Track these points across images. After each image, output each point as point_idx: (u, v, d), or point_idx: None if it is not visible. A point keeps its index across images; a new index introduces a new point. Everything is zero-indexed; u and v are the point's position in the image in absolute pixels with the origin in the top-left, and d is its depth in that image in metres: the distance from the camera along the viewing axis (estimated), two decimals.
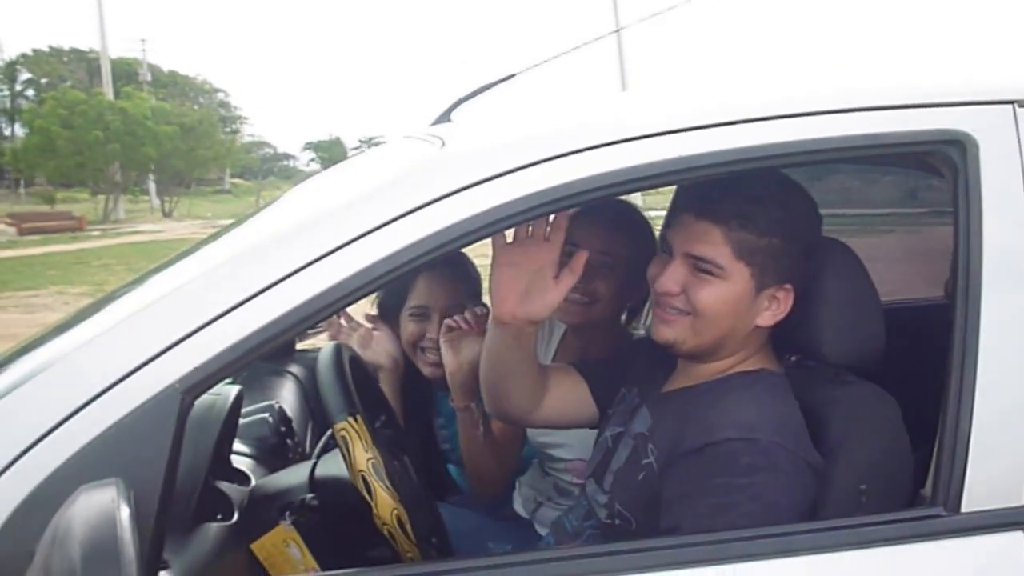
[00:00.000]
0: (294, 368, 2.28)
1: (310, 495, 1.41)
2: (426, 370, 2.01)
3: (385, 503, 1.27)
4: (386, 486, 1.28)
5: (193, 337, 1.03)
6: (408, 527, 1.28)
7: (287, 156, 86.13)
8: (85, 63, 71.61)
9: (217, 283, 1.09)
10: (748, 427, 1.23)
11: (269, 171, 72.04)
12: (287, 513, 1.39)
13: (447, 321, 1.75)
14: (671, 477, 1.26)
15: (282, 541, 1.36)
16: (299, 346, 2.46)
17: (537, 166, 1.10)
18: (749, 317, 1.32)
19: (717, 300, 1.29)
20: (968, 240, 1.15)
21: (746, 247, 1.28)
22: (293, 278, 1.06)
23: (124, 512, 0.87)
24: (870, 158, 1.56)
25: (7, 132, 75.66)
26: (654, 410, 1.37)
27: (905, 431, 1.28)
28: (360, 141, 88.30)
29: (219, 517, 1.37)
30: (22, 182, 54.54)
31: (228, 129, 49.43)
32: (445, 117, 1.64)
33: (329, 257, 1.07)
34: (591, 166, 1.09)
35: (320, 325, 2.09)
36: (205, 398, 1.25)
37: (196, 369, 1.03)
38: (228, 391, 1.43)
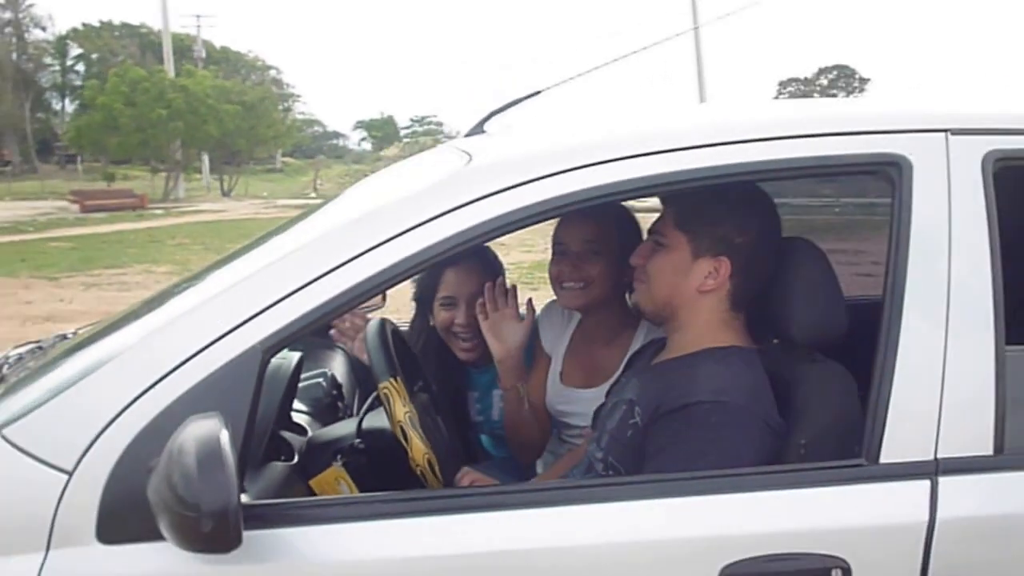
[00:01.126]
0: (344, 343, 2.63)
1: (357, 441, 1.75)
2: (460, 354, 2.34)
3: (419, 448, 1.59)
4: (420, 435, 1.61)
5: (272, 308, 1.36)
6: (437, 469, 1.60)
7: (337, 135, 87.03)
8: (137, 38, 72.94)
9: (291, 266, 1.42)
10: (719, 392, 1.53)
11: (318, 149, 72.83)
12: (338, 456, 1.72)
13: (477, 304, 2.08)
14: (654, 433, 1.56)
15: (334, 479, 1.69)
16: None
17: (530, 184, 1.42)
18: (688, 282, 1.62)
19: (661, 266, 1.63)
20: (899, 245, 1.43)
21: (682, 217, 1.61)
22: (349, 264, 1.38)
23: (225, 434, 1.20)
24: (829, 175, 1.85)
25: (57, 107, 77.63)
26: (642, 379, 1.68)
27: (858, 401, 1.57)
28: (411, 120, 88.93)
29: (282, 458, 1.71)
30: (79, 159, 56.04)
31: (281, 107, 50.13)
32: (479, 128, 1.96)
33: (376, 249, 1.39)
34: (572, 183, 1.41)
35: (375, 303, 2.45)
36: (273, 362, 1.58)
37: (273, 333, 1.36)
38: (292, 357, 1.77)
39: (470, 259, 2.27)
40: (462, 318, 2.27)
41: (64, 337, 2.05)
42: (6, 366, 1.92)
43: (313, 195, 37.45)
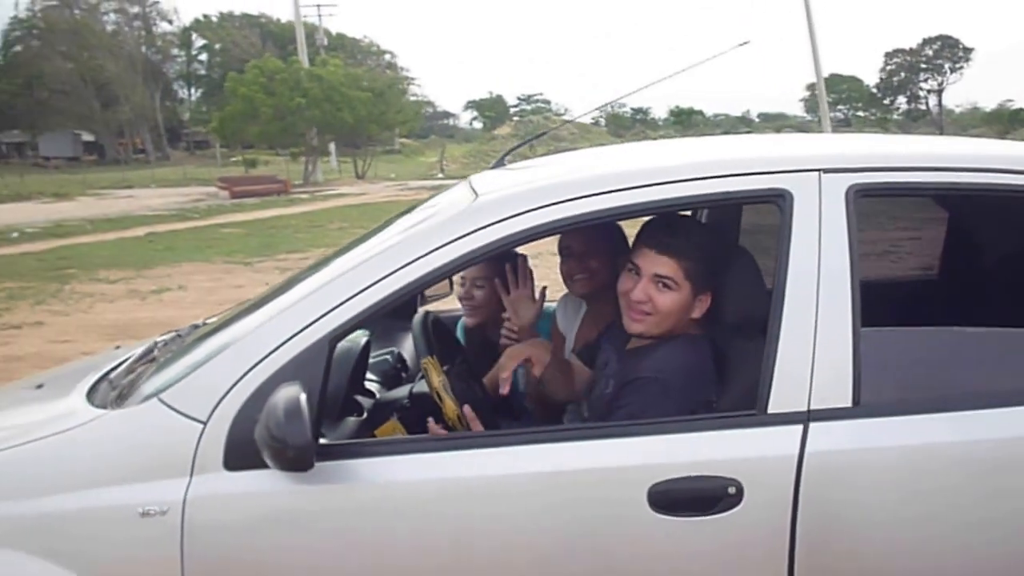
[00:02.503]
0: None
1: (406, 402, 2.38)
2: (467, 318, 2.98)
3: (450, 407, 2.20)
4: (451, 397, 2.21)
5: (335, 310, 1.98)
6: (464, 422, 2.21)
7: (447, 115, 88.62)
8: (257, 27, 75.96)
9: (349, 278, 2.03)
10: (658, 371, 2.09)
11: (430, 130, 74.34)
12: (395, 413, 2.36)
13: (498, 284, 2.66)
14: (615, 398, 2.14)
15: (392, 429, 2.32)
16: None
17: (513, 218, 2.00)
18: (687, 312, 2.16)
19: (674, 304, 2.14)
20: (784, 253, 1.95)
21: (690, 270, 2.12)
22: (387, 278, 1.99)
23: (303, 396, 1.82)
24: (739, 203, 2.40)
25: (183, 95, 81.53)
26: (620, 360, 2.25)
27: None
28: (519, 98, 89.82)
29: (355, 415, 2.35)
30: (217, 146, 58.91)
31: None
32: (500, 163, 2.55)
33: (406, 267, 1.99)
34: (540, 217, 1.99)
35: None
36: (344, 342, 2.21)
37: (337, 327, 1.98)
38: (360, 339, 2.41)
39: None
40: (468, 294, 2.95)
41: (196, 326, 2.75)
42: (156, 349, 2.62)
43: (440, 176, 38.61)
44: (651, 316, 2.16)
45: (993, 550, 1.88)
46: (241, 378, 1.97)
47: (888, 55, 79.99)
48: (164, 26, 78.18)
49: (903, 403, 1.93)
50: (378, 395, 2.53)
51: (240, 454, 1.92)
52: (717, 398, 2.07)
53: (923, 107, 77.39)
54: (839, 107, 70.35)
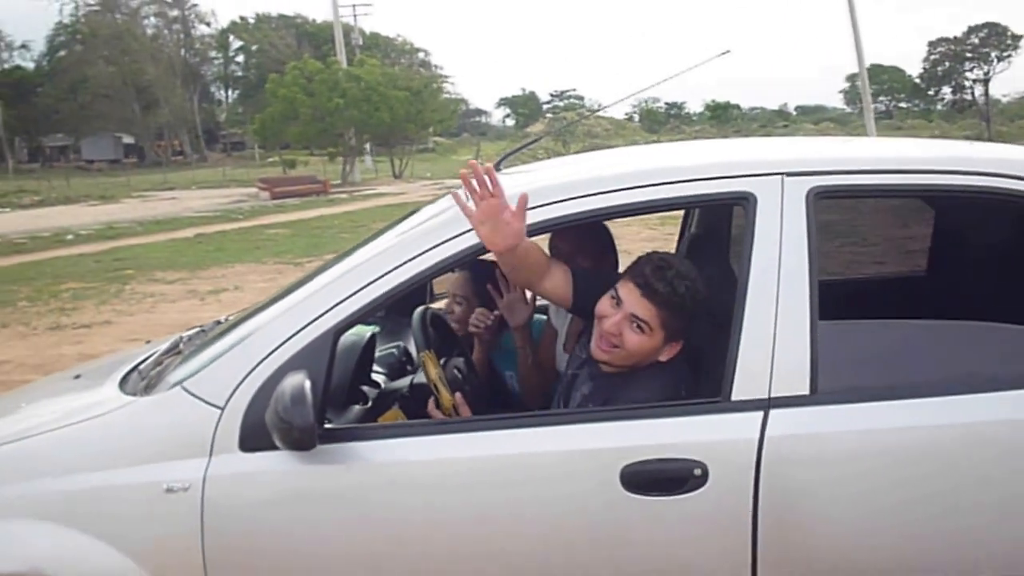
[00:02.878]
0: None
1: (407, 391, 2.58)
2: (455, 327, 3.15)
3: (445, 397, 2.39)
4: (446, 387, 2.41)
5: (338, 306, 2.18)
6: (457, 410, 2.40)
7: (479, 112, 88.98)
8: (293, 28, 76.78)
9: (350, 278, 2.24)
10: (634, 400, 2.22)
11: (462, 128, 74.71)
12: (396, 402, 2.56)
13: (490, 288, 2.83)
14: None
15: (393, 416, 2.52)
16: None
17: None
18: (655, 355, 2.26)
19: (642, 346, 2.24)
20: (749, 251, 2.13)
21: (667, 320, 2.22)
22: (384, 277, 2.19)
23: (307, 383, 2.03)
24: (710, 205, 2.56)
25: (219, 97, 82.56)
26: (594, 381, 2.36)
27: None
28: (551, 95, 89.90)
29: (360, 403, 2.55)
30: (256, 147, 59.68)
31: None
32: (496, 167, 2.73)
33: (401, 267, 2.20)
34: (529, 218, 2.17)
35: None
36: (350, 336, 2.42)
37: (339, 321, 2.19)
38: (364, 333, 2.61)
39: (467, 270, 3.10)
40: (450, 309, 3.12)
41: (219, 322, 2.98)
42: (182, 343, 2.84)
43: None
44: (618, 350, 2.26)
45: (938, 526, 2.03)
46: (254, 368, 2.18)
47: (932, 44, 78.85)
48: (202, 29, 79.53)
49: (858, 391, 2.09)
50: (383, 385, 2.73)
51: (254, 436, 2.14)
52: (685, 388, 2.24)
53: (968, 97, 76.17)
54: (880, 98, 69.45)
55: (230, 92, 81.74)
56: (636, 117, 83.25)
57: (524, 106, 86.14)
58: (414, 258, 2.20)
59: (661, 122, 78.44)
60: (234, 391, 2.17)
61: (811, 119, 72.28)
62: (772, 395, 2.07)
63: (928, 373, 2.14)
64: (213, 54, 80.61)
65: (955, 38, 75.35)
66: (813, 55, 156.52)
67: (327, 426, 2.20)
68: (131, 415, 2.30)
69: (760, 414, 2.06)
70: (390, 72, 42.48)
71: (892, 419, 2.06)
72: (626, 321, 2.24)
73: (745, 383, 2.08)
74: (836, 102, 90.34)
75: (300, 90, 36.82)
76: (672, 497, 2.04)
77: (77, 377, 2.96)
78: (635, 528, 2.06)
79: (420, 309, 2.66)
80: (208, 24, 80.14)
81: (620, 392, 2.26)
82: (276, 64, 70.87)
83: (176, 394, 2.25)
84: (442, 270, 2.27)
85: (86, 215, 26.15)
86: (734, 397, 2.08)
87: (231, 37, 78.87)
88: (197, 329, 2.96)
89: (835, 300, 2.13)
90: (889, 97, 78.54)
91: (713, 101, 79.61)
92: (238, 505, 2.14)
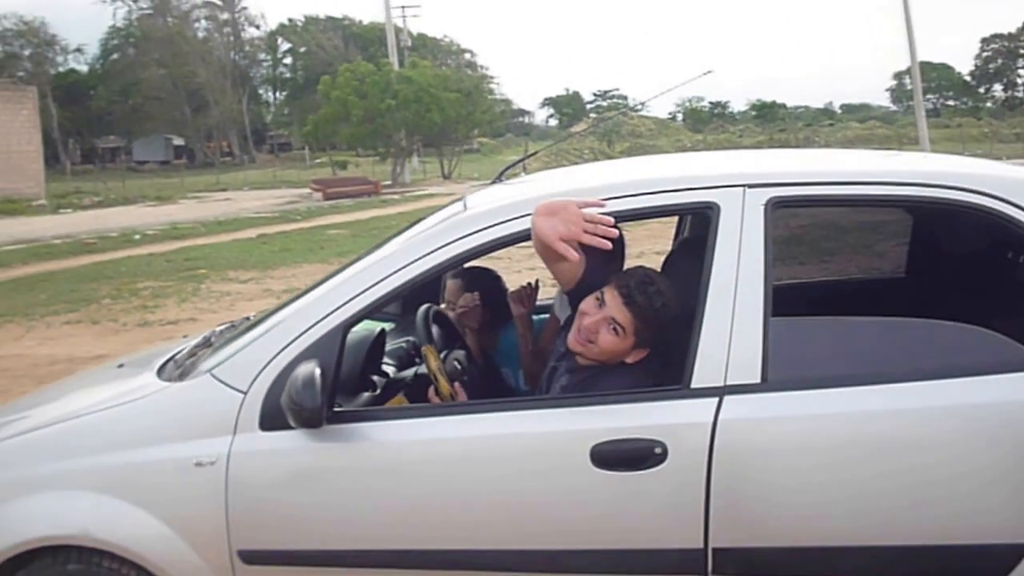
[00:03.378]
0: None
1: (411, 380, 2.87)
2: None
3: (444, 386, 2.67)
4: (446, 378, 2.69)
5: (348, 303, 2.47)
6: (455, 398, 2.69)
7: (523, 112, 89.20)
8: (340, 30, 77.62)
9: (358, 278, 2.54)
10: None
11: (505, 128, 75.05)
12: (401, 390, 2.85)
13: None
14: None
15: (398, 402, 2.81)
16: None
17: (491, 227, 2.48)
18: (623, 357, 2.52)
19: (614, 346, 2.50)
20: (711, 259, 2.38)
21: (640, 329, 2.47)
22: (388, 278, 2.48)
23: (317, 371, 2.32)
24: (680, 214, 2.81)
25: (266, 99, 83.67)
26: (571, 375, 2.61)
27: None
28: (595, 95, 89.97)
29: (369, 391, 2.85)
30: (307, 149, 60.54)
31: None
32: (498, 179, 3.03)
33: (404, 268, 2.49)
34: (511, 227, 2.45)
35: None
36: (360, 332, 2.72)
37: (348, 317, 2.48)
38: (374, 329, 2.91)
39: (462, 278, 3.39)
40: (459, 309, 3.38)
41: (247, 319, 3.30)
42: (213, 337, 3.16)
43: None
44: (592, 345, 2.51)
45: (875, 502, 2.26)
46: (273, 358, 2.49)
47: (985, 41, 77.67)
48: (252, 31, 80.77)
49: (804, 380, 2.33)
50: (391, 375, 3.03)
51: (272, 417, 2.44)
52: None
53: (1021, 95, 74.78)
54: (928, 96, 68.38)
55: (278, 94, 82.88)
56: (679, 116, 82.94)
57: (568, 106, 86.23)
58: (412, 263, 2.49)
59: (705, 121, 77.98)
60: (256, 378, 2.48)
61: (856, 117, 71.27)
62: (727, 383, 2.32)
63: (868, 365, 2.37)
64: (262, 56, 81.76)
65: (1009, 34, 74.00)
66: (858, 52, 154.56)
67: (336, 409, 2.49)
68: (167, 398, 2.63)
69: (715, 400, 2.31)
70: (442, 73, 42.81)
71: (833, 405, 2.30)
72: (605, 322, 2.50)
73: (703, 372, 2.33)
74: (881, 100, 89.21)
75: (352, 91, 37.18)
76: (635, 472, 2.30)
77: (120, 366, 3.31)
78: (602, 499, 2.32)
79: (424, 308, 2.95)
80: (258, 27, 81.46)
81: (593, 385, 2.53)
82: (324, 66, 71.74)
83: (206, 380, 2.57)
84: (437, 273, 2.55)
85: (147, 216, 27.00)
86: (693, 385, 2.33)
87: (279, 39, 79.93)
88: (227, 325, 3.28)
89: (801, 301, 2.38)
90: (937, 95, 77.31)
91: (759, 100, 79.14)
92: (257, 477, 2.45)
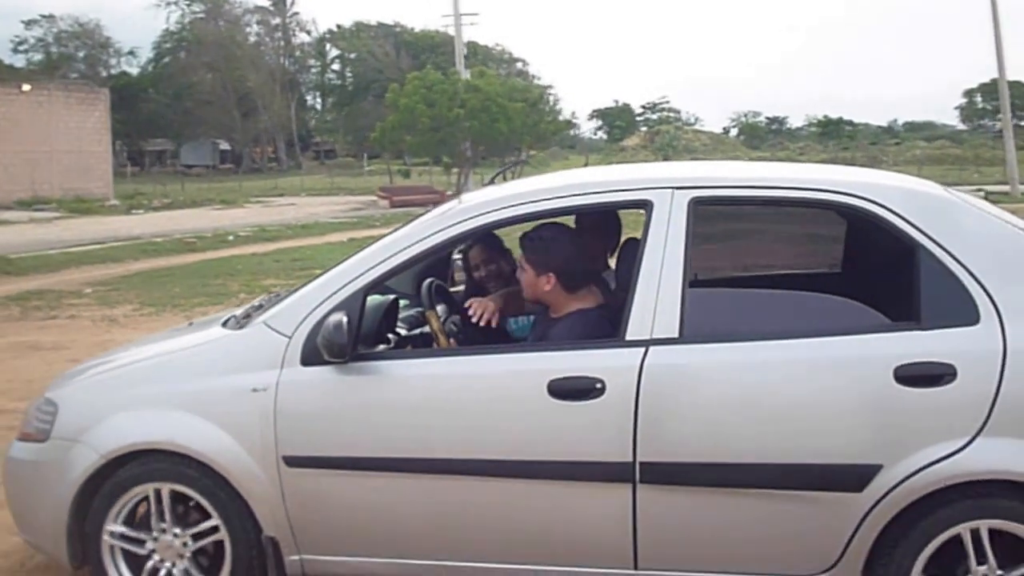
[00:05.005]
0: None
1: (418, 337, 3.78)
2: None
3: (443, 342, 3.57)
4: (444, 336, 3.59)
5: (368, 271, 3.37)
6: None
7: (569, 124, 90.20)
8: (392, 37, 79.03)
9: (377, 251, 3.44)
10: (560, 336, 3.40)
11: (552, 141, 76.04)
12: (410, 344, 3.75)
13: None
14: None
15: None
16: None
17: (479, 216, 3.38)
18: (539, 287, 3.46)
19: (527, 282, 3.47)
20: (645, 242, 3.23)
21: (531, 260, 3.42)
22: (399, 252, 3.38)
23: (345, 319, 3.21)
24: (621, 209, 3.69)
25: (312, 104, 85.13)
26: (538, 326, 3.54)
27: None
28: (643, 107, 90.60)
29: (384, 344, 3.75)
30: (364, 157, 61.86)
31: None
32: (491, 182, 3.93)
33: (413, 245, 3.39)
34: (492, 217, 3.36)
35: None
36: (376, 299, 3.62)
37: (368, 283, 3.37)
38: (388, 298, 3.80)
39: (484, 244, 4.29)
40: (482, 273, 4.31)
41: (287, 290, 4.22)
42: (264, 301, 4.08)
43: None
44: (525, 289, 3.55)
45: (764, 429, 3.06)
46: (312, 311, 3.39)
47: None
48: (303, 37, 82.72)
49: (711, 336, 3.16)
50: (403, 334, 3.93)
51: (310, 355, 3.34)
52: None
53: None
54: (999, 116, 68.16)
55: (325, 100, 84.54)
56: (734, 131, 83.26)
57: (619, 118, 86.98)
58: (418, 242, 3.41)
59: (762, 137, 78.16)
60: (299, 325, 3.39)
61: (921, 136, 71.07)
62: (652, 337, 3.16)
63: (760, 325, 3.20)
64: (311, 62, 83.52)
65: None
66: (924, 69, 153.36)
67: (358, 352, 3.38)
68: (232, 342, 3.57)
69: (643, 349, 3.15)
70: (509, 83, 43.46)
71: (732, 355, 3.13)
72: (520, 269, 3.53)
73: (635, 329, 3.18)
74: (947, 118, 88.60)
75: (420, 100, 37.92)
76: (581, 402, 3.14)
77: (190, 324, 4.26)
78: (556, 422, 3.17)
79: (427, 281, 3.85)
80: (309, 32, 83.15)
81: (551, 330, 3.43)
82: (374, 72, 73.23)
83: (261, 328, 3.48)
84: (437, 251, 3.47)
85: (222, 218, 28.55)
86: (627, 338, 3.18)
87: (328, 45, 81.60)
88: (274, 294, 4.21)
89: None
90: (1011, 114, 76.56)
91: (823, 117, 79.17)
92: (299, 400, 3.35)
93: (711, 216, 3.65)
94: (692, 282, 3.23)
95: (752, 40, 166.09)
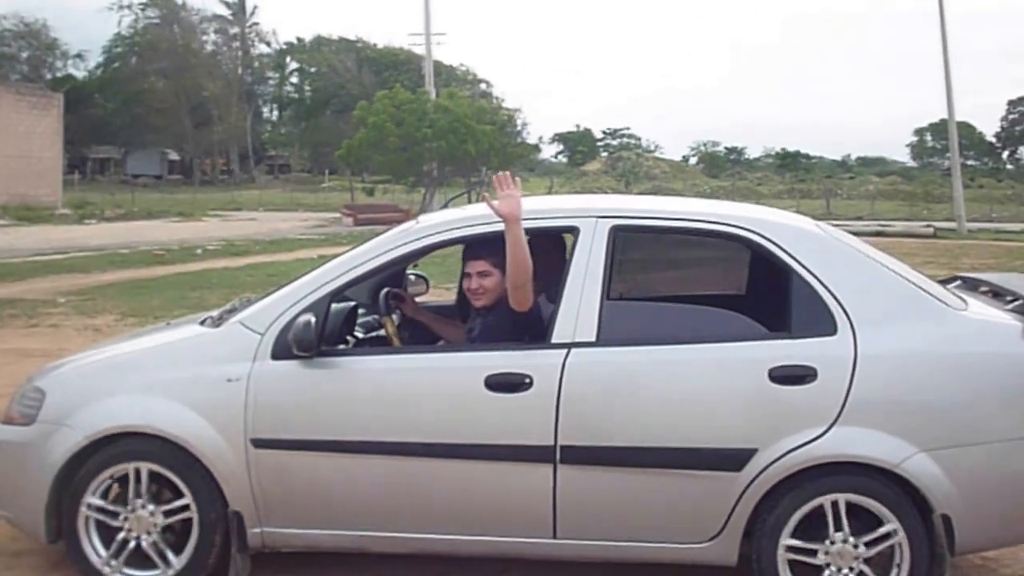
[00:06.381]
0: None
1: (374, 340, 4.41)
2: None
3: (396, 343, 4.21)
4: (398, 339, 4.22)
5: (332, 280, 3.99)
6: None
7: (537, 148, 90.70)
8: (354, 52, 78.90)
9: (339, 264, 4.06)
10: (486, 328, 4.06)
11: (517, 163, 76.55)
12: (366, 344, 4.38)
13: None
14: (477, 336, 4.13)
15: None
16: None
17: (430, 235, 4.04)
18: (502, 284, 4.08)
19: (494, 282, 4.09)
20: (571, 261, 3.90)
21: (498, 261, 4.04)
22: (361, 264, 4.01)
23: (313, 319, 3.81)
24: (551, 234, 4.33)
25: (267, 117, 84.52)
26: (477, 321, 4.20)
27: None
28: (604, 132, 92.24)
29: (345, 344, 4.35)
30: (326, 173, 61.45)
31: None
32: (446, 205, 4.59)
33: (374, 259, 4.02)
34: (441, 237, 4.02)
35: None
36: (340, 306, 4.24)
37: (333, 290, 3.98)
38: (349, 305, 4.42)
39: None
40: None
41: (249, 300, 4.80)
42: (236, 305, 4.65)
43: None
44: (491, 293, 4.15)
45: (662, 417, 3.73)
46: (283, 312, 4.00)
47: (1012, 103, 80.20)
48: (262, 48, 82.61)
49: (623, 340, 3.83)
50: (360, 336, 4.55)
51: (281, 350, 3.93)
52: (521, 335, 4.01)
53: None
54: (947, 154, 70.52)
55: (283, 113, 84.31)
56: (694, 159, 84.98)
57: (581, 142, 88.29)
58: (378, 255, 4.06)
59: (721, 166, 79.84)
60: (271, 324, 3.99)
61: (873, 171, 73.23)
62: (574, 340, 3.82)
63: (664, 332, 3.89)
64: (270, 74, 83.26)
65: None
66: (878, 106, 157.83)
67: (322, 349, 3.99)
68: (210, 337, 4.16)
69: (565, 351, 3.81)
70: (478, 105, 43.85)
71: (640, 356, 3.80)
72: (482, 276, 4.15)
73: (559, 333, 3.83)
74: (899, 155, 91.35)
75: (389, 118, 38.32)
76: (512, 394, 3.78)
77: (168, 324, 4.85)
78: (490, 410, 3.80)
79: (384, 291, 4.48)
80: (268, 43, 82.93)
81: (484, 328, 4.12)
82: (335, 87, 73.32)
83: (236, 326, 4.08)
84: (395, 264, 4.11)
85: (181, 231, 28.58)
86: (552, 341, 3.84)
87: (288, 57, 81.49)
88: (245, 298, 4.81)
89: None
90: (959, 154, 79.21)
91: (783, 149, 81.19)
92: (268, 389, 3.93)
93: (637, 241, 4.35)
94: (610, 295, 3.89)
95: (714, 70, 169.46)
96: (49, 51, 74.55)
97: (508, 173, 3.91)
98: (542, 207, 4.27)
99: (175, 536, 4.03)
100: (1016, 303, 3.97)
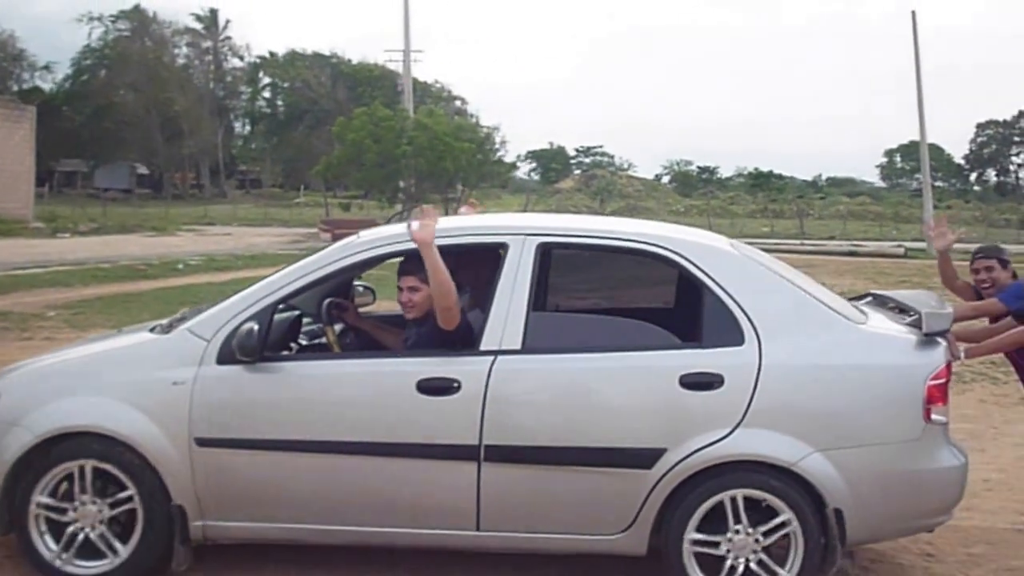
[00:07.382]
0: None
1: (316, 346, 4.70)
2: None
3: (337, 350, 4.49)
4: (339, 345, 4.51)
5: (277, 290, 4.28)
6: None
7: (514, 166, 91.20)
8: (328, 67, 78.74)
9: (284, 275, 4.35)
10: (419, 336, 4.36)
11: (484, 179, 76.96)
12: (309, 351, 4.66)
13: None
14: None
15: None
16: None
17: (370, 249, 4.34)
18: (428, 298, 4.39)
19: (423, 296, 4.37)
20: (499, 276, 4.20)
21: (423, 280, 4.34)
22: (302, 277, 4.30)
23: (256, 327, 4.09)
24: (483, 250, 4.60)
25: (240, 132, 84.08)
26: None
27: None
28: (577, 150, 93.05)
29: (288, 350, 4.63)
30: (301, 188, 61.20)
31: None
32: (389, 221, 4.91)
33: (313, 272, 4.32)
34: (381, 251, 4.33)
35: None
36: (284, 315, 4.52)
37: (276, 300, 4.27)
38: (293, 314, 4.69)
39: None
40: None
41: (200, 309, 5.07)
42: (184, 315, 4.91)
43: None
44: (419, 306, 4.42)
45: (579, 420, 4.04)
46: (229, 320, 4.28)
47: (980, 126, 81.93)
48: (234, 62, 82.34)
49: (546, 348, 4.14)
50: (304, 343, 4.84)
51: (225, 356, 4.21)
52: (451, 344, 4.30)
53: (1013, 181, 78.51)
54: (916, 175, 71.94)
55: (255, 127, 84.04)
56: (666, 178, 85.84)
57: (554, 160, 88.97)
58: (320, 268, 4.36)
59: (693, 185, 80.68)
60: (217, 331, 4.26)
61: (843, 191, 74.34)
62: (500, 348, 4.12)
63: (584, 341, 4.21)
64: (242, 88, 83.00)
65: (1004, 121, 77.84)
66: (849, 127, 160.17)
67: (264, 355, 4.26)
68: (159, 343, 4.42)
69: (492, 357, 4.11)
70: (457, 122, 44.30)
71: (560, 363, 4.12)
72: (411, 291, 4.42)
73: (487, 341, 4.14)
74: (868, 175, 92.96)
75: (367, 135, 38.64)
76: (442, 397, 4.08)
77: (119, 331, 5.11)
78: (421, 412, 4.10)
79: (327, 301, 4.76)
80: (241, 57, 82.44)
81: (418, 337, 4.39)
82: (308, 102, 73.32)
83: (184, 333, 4.35)
84: (335, 276, 4.40)
85: (157, 246, 28.48)
86: (481, 348, 4.14)
87: (260, 72, 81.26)
88: (195, 308, 5.08)
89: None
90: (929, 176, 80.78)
91: (756, 169, 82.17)
92: (212, 391, 4.21)
93: (566, 258, 4.69)
94: (535, 307, 4.20)
95: (685, 89, 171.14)
96: (16, 62, 74.00)
97: (430, 206, 4.28)
98: (476, 224, 4.60)
99: (121, 527, 4.26)
100: (913, 318, 4.31)
